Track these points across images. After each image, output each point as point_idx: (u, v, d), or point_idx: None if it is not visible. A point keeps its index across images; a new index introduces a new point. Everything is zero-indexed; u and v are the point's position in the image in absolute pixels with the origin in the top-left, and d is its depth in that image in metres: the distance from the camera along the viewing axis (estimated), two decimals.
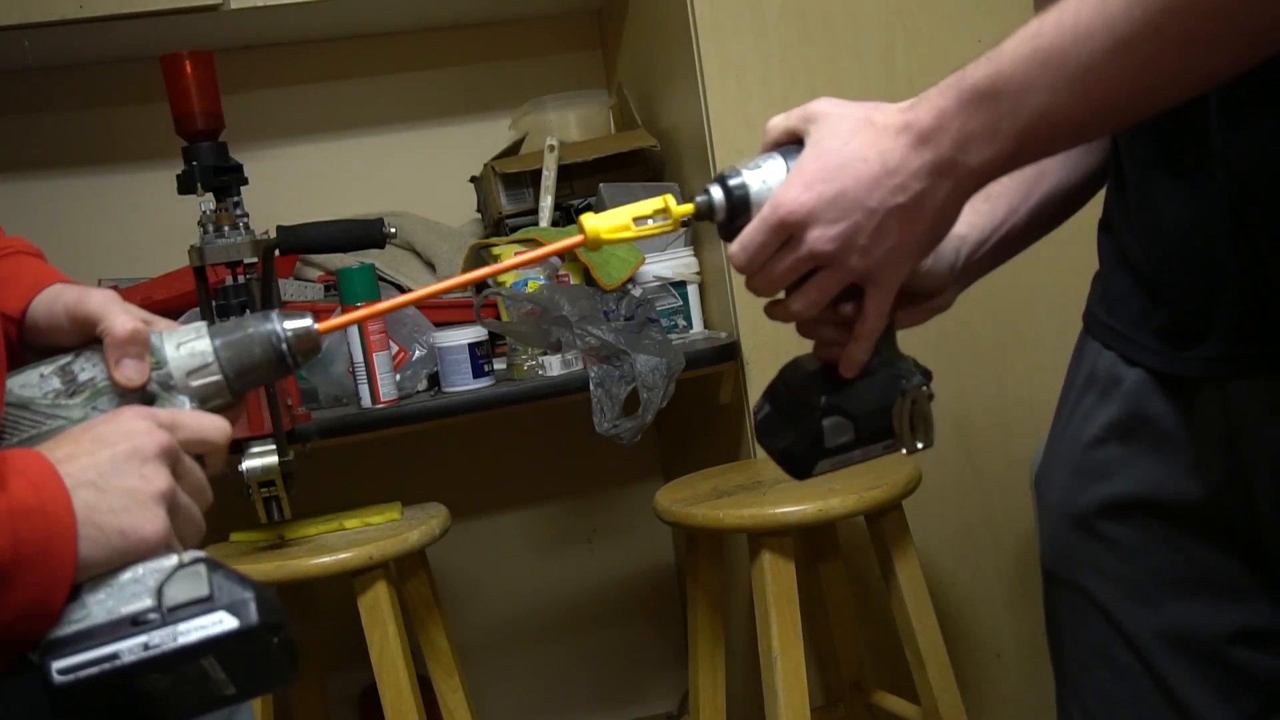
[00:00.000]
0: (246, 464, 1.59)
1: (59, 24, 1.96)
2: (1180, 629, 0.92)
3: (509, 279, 2.01)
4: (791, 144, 0.83)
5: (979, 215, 0.96)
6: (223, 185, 1.62)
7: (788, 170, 0.81)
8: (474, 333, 1.88)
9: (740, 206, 0.83)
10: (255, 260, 1.62)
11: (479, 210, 2.39)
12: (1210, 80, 0.71)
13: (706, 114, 2.01)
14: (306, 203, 2.21)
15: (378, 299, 1.83)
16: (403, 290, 2.20)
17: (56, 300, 0.78)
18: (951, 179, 0.77)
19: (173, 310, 2.00)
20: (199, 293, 1.63)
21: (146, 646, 0.65)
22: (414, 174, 2.50)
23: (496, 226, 2.27)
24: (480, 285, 2.08)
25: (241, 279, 1.62)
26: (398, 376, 1.88)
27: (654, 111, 2.31)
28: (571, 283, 2.01)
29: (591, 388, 1.80)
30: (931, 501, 2.05)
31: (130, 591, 0.67)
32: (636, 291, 2.00)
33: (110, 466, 0.68)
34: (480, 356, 1.89)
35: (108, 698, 0.66)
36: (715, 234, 0.95)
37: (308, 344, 0.79)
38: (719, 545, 1.86)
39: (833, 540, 1.97)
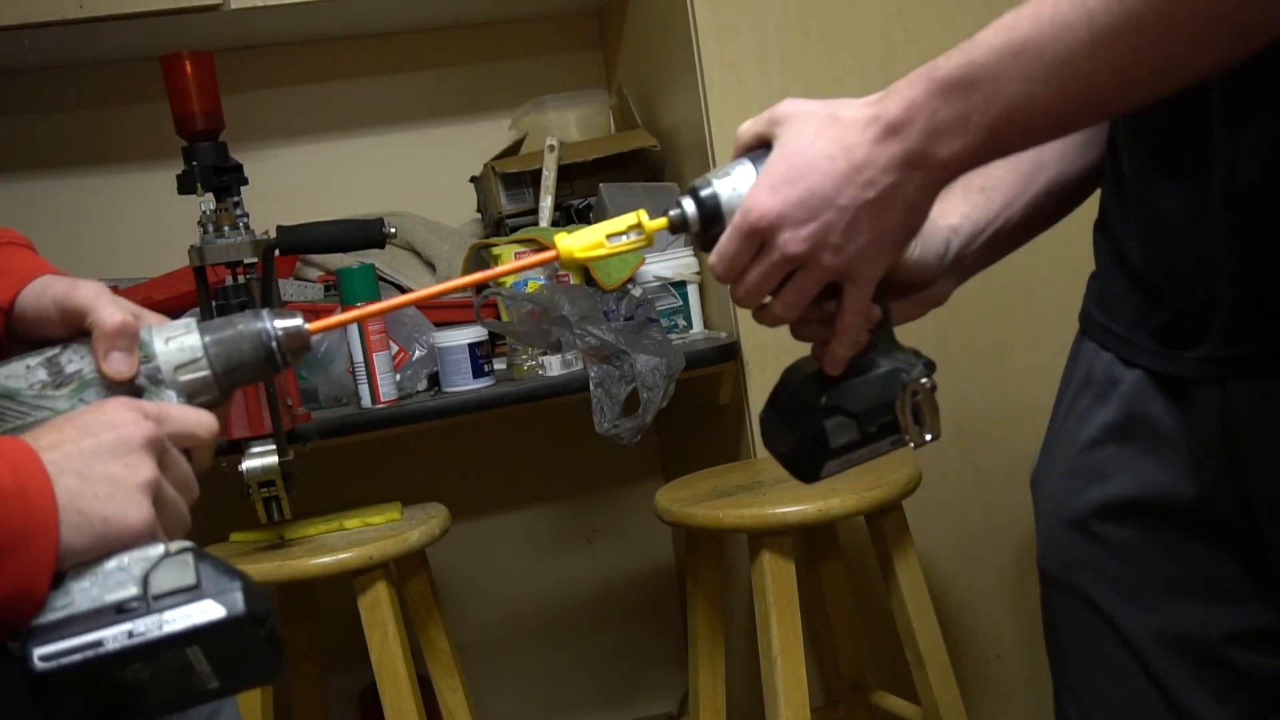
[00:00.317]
0: (246, 464, 1.59)
1: (59, 24, 1.96)
2: (1177, 630, 0.91)
3: (508, 279, 2.01)
4: (761, 148, 0.82)
5: (973, 207, 0.96)
6: (223, 185, 1.62)
7: (757, 175, 0.81)
8: (474, 333, 1.88)
9: (713, 216, 0.82)
10: (255, 260, 1.62)
11: (479, 210, 2.39)
12: (1192, 76, 0.70)
13: (706, 114, 2.01)
14: (306, 203, 2.21)
15: (378, 299, 1.83)
16: (403, 290, 2.20)
17: (45, 292, 0.78)
18: (921, 170, 0.76)
19: (173, 310, 2.01)
20: (199, 293, 1.63)
21: (131, 634, 0.65)
22: (414, 174, 2.50)
23: (496, 226, 2.27)
24: (480, 285, 2.08)
25: (241, 279, 1.62)
26: (398, 376, 1.88)
27: (654, 111, 2.31)
28: (571, 283, 2.01)
29: (591, 388, 1.80)
30: (931, 501, 2.05)
31: (115, 579, 0.66)
32: (636, 291, 2.00)
33: (94, 455, 0.68)
34: (480, 356, 1.89)
35: (90, 686, 0.65)
36: None
37: (297, 343, 0.79)
38: (719, 545, 1.86)
39: (833, 540, 1.97)
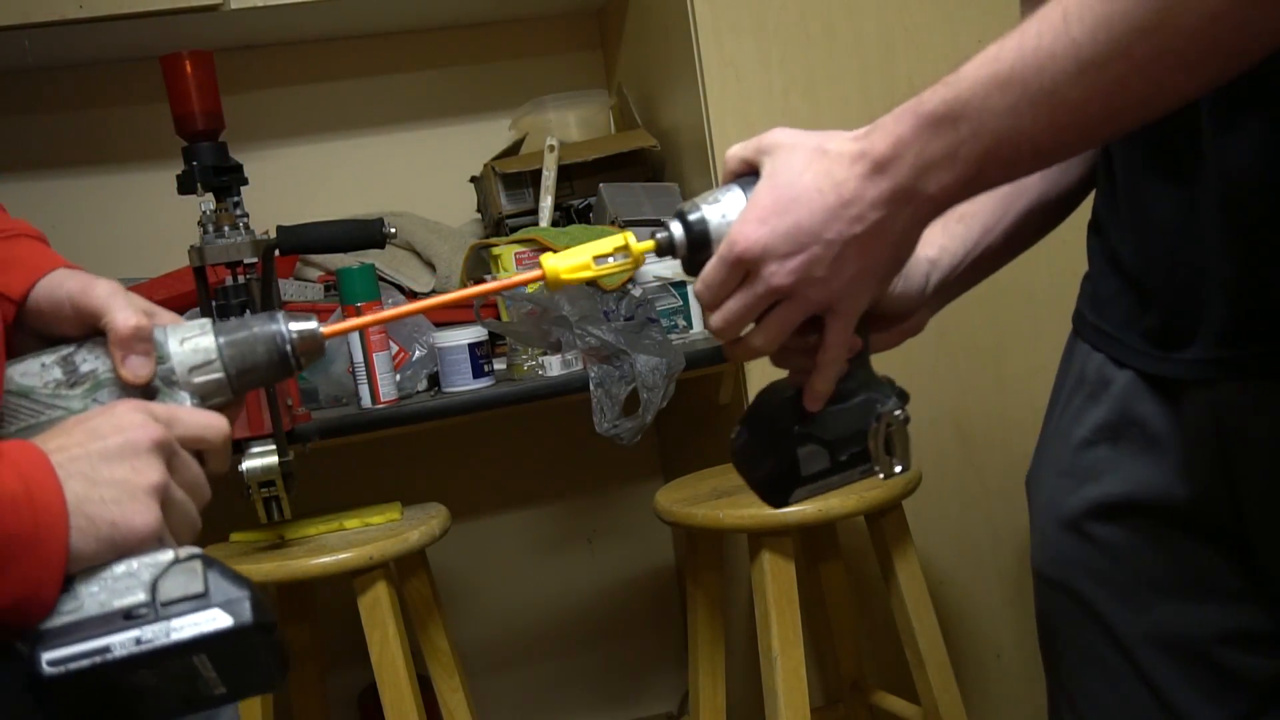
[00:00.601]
0: (246, 464, 1.59)
1: (58, 24, 1.96)
2: (1169, 630, 0.92)
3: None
4: (750, 174, 0.82)
5: (951, 237, 0.95)
6: (223, 185, 1.62)
7: (746, 202, 0.80)
8: (474, 333, 1.88)
9: (700, 242, 0.82)
10: (255, 260, 1.62)
11: (479, 210, 2.39)
12: (1178, 101, 0.70)
13: (706, 114, 2.01)
14: (306, 203, 2.21)
15: (378, 299, 1.83)
16: (403, 290, 2.20)
17: (60, 287, 0.78)
18: (910, 206, 0.76)
19: (172, 311, 2.00)
20: (199, 293, 1.63)
21: (138, 641, 0.65)
22: (414, 174, 2.50)
23: (496, 226, 2.27)
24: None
25: (241, 279, 1.62)
26: (398, 376, 1.88)
27: (654, 111, 2.31)
28: None
29: (591, 388, 1.80)
30: (931, 501, 2.05)
31: (124, 585, 0.66)
32: (636, 291, 2.00)
33: (101, 458, 0.67)
34: (480, 356, 1.89)
35: (96, 691, 0.65)
36: None
37: (311, 346, 0.79)
38: (719, 545, 1.86)
39: (833, 540, 1.97)
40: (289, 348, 0.78)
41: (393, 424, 1.84)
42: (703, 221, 0.82)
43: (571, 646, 2.59)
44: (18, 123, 2.34)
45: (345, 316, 1.82)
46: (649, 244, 0.84)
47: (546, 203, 2.21)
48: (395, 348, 1.93)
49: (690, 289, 2.12)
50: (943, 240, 0.95)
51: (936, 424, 2.08)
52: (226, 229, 1.61)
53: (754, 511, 1.66)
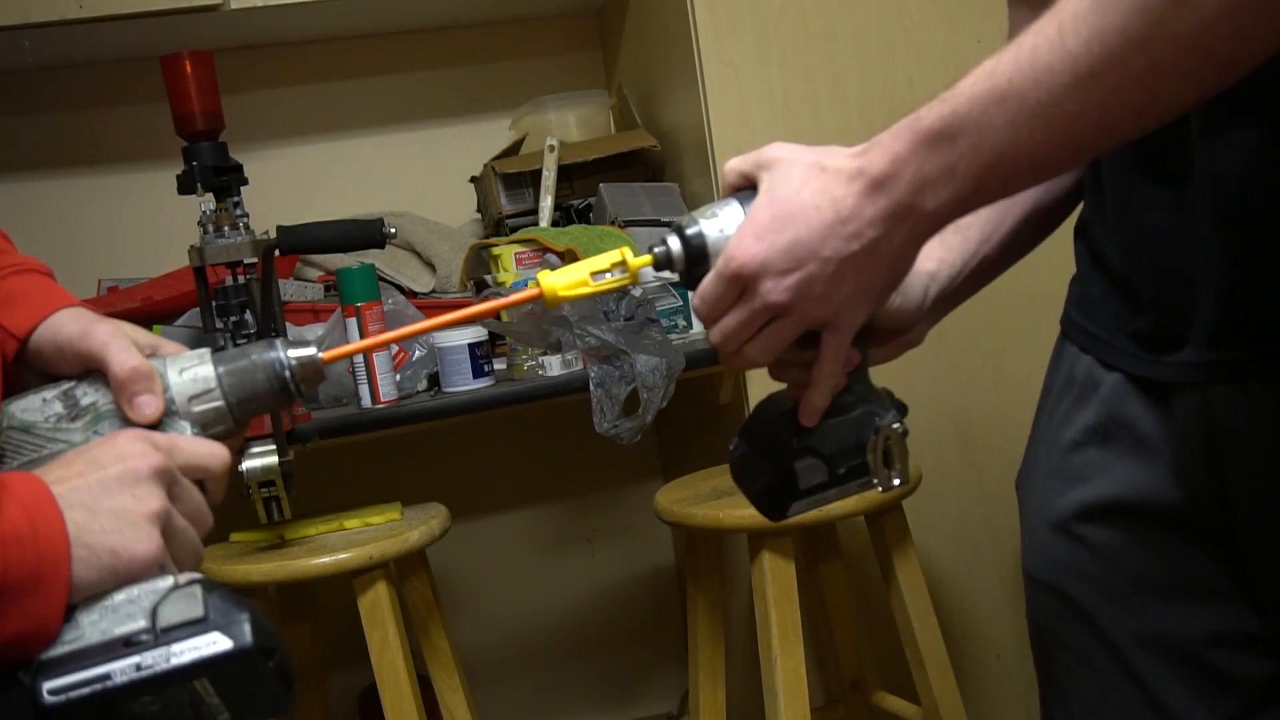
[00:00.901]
0: (246, 464, 1.59)
1: (59, 24, 1.96)
2: (1159, 632, 0.92)
3: (509, 279, 2.02)
4: (749, 189, 0.82)
5: (948, 249, 0.96)
6: (223, 185, 1.62)
7: (744, 217, 0.80)
8: (474, 333, 1.88)
9: (698, 256, 0.82)
10: (255, 260, 1.62)
11: (479, 210, 2.39)
12: (1173, 111, 0.70)
13: (706, 114, 2.01)
14: (306, 203, 2.21)
15: (378, 299, 1.83)
16: (403, 290, 2.20)
17: (60, 332, 0.78)
18: (908, 224, 0.76)
19: (172, 311, 2.01)
20: (199, 293, 1.63)
21: (139, 667, 0.65)
22: (414, 174, 2.50)
23: (496, 226, 2.27)
24: (480, 286, 2.08)
25: (241, 279, 1.62)
26: (398, 376, 1.88)
27: (654, 111, 2.31)
28: None
29: (591, 388, 1.80)
30: (931, 501, 2.05)
31: (124, 612, 0.67)
32: (636, 291, 2.00)
33: (102, 487, 0.68)
34: (480, 356, 1.89)
35: None
36: None
37: (310, 373, 0.79)
38: (719, 545, 1.86)
39: (833, 540, 1.97)
40: (288, 375, 0.78)
41: (393, 424, 1.84)
42: (700, 236, 0.82)
43: (571, 647, 2.59)
44: (18, 123, 2.34)
45: (345, 317, 1.82)
46: (646, 259, 0.84)
47: (546, 203, 2.21)
48: (395, 348, 1.93)
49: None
50: (940, 253, 0.95)
51: (936, 424, 2.08)
52: (226, 229, 1.61)
53: (754, 512, 1.64)
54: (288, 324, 1.79)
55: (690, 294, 2.21)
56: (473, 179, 2.37)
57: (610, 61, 2.56)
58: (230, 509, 1.68)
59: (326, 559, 1.65)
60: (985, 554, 2.14)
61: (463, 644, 2.06)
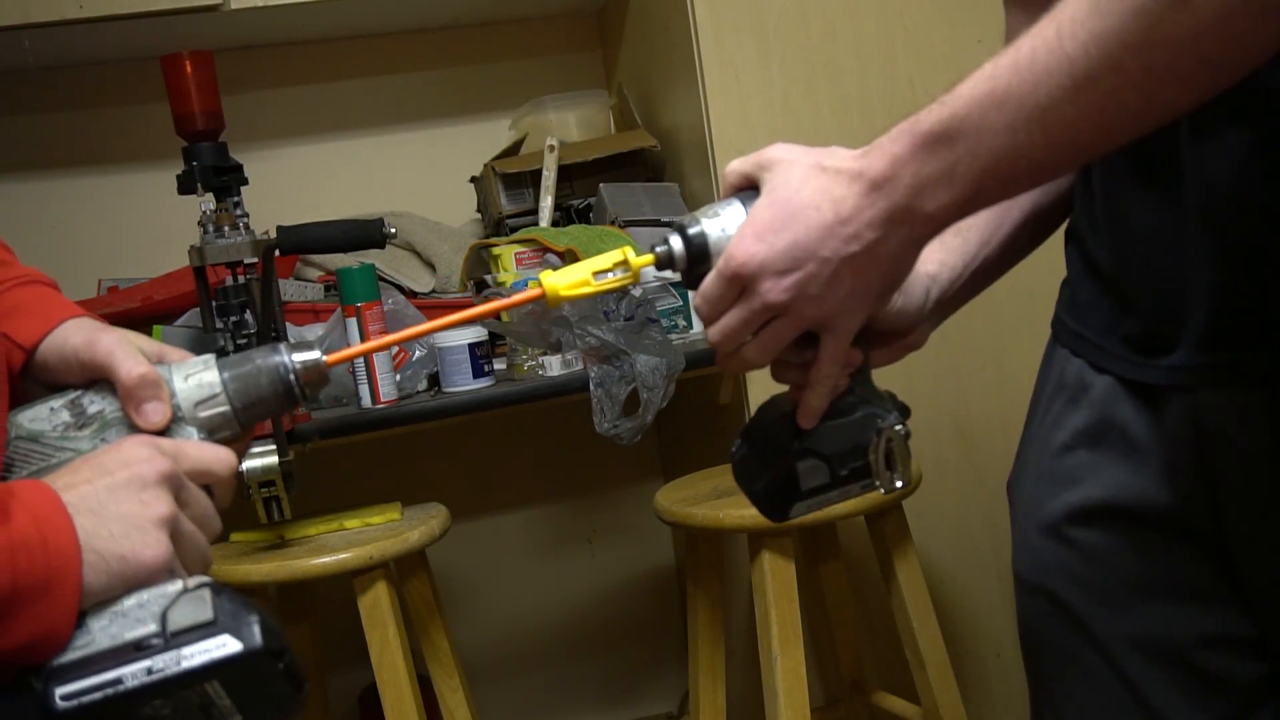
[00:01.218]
0: (246, 464, 1.59)
1: (59, 24, 1.96)
2: (1150, 634, 0.92)
3: (509, 279, 2.02)
4: (750, 189, 0.82)
5: (949, 251, 0.96)
6: (223, 185, 1.62)
7: (746, 217, 0.81)
8: (474, 333, 1.88)
9: (700, 255, 0.82)
10: (255, 260, 1.62)
11: (479, 210, 2.39)
12: (1170, 114, 0.71)
13: (706, 114, 2.01)
14: (306, 203, 2.21)
15: (378, 299, 1.83)
16: (403, 290, 2.20)
17: (66, 344, 0.78)
18: (906, 226, 0.76)
19: (172, 311, 2.01)
20: (199, 293, 1.63)
21: (150, 671, 0.65)
22: (414, 174, 2.50)
23: (496, 226, 2.27)
24: (480, 286, 2.08)
25: (241, 279, 1.62)
26: (398, 376, 1.88)
27: (654, 111, 2.31)
28: None
29: (591, 388, 1.80)
30: (931, 501, 2.05)
31: (134, 617, 0.67)
32: (636, 291, 2.00)
33: (109, 493, 0.68)
34: (480, 356, 1.89)
35: None
36: None
37: (315, 376, 0.79)
38: (719, 545, 1.86)
39: (833, 540, 1.97)
40: (293, 379, 0.78)
41: (393, 424, 1.84)
42: (702, 236, 0.82)
43: (571, 647, 2.59)
44: (18, 123, 2.34)
45: (345, 317, 1.82)
46: (648, 258, 0.84)
47: (546, 203, 2.21)
48: (395, 348, 1.93)
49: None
50: (941, 255, 0.95)
51: (936, 424, 2.08)
52: (226, 229, 1.62)
53: (754, 511, 1.64)
54: (288, 324, 1.79)
55: (691, 294, 2.21)
56: (473, 179, 2.37)
57: (610, 61, 2.56)
58: (230, 509, 1.67)
59: (326, 559, 1.65)
60: (985, 554, 2.14)
61: (463, 644, 2.06)
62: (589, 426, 1.79)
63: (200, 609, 0.67)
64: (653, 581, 2.63)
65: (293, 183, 2.40)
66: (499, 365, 1.99)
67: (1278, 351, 0.81)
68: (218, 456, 0.75)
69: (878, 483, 0.88)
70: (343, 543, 1.70)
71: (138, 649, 0.66)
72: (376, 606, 1.68)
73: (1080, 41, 0.68)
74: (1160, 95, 0.69)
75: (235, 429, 0.78)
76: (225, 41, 2.25)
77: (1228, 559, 0.88)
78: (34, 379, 0.79)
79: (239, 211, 1.64)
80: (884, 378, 0.91)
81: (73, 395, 0.76)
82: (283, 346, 0.79)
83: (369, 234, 1.72)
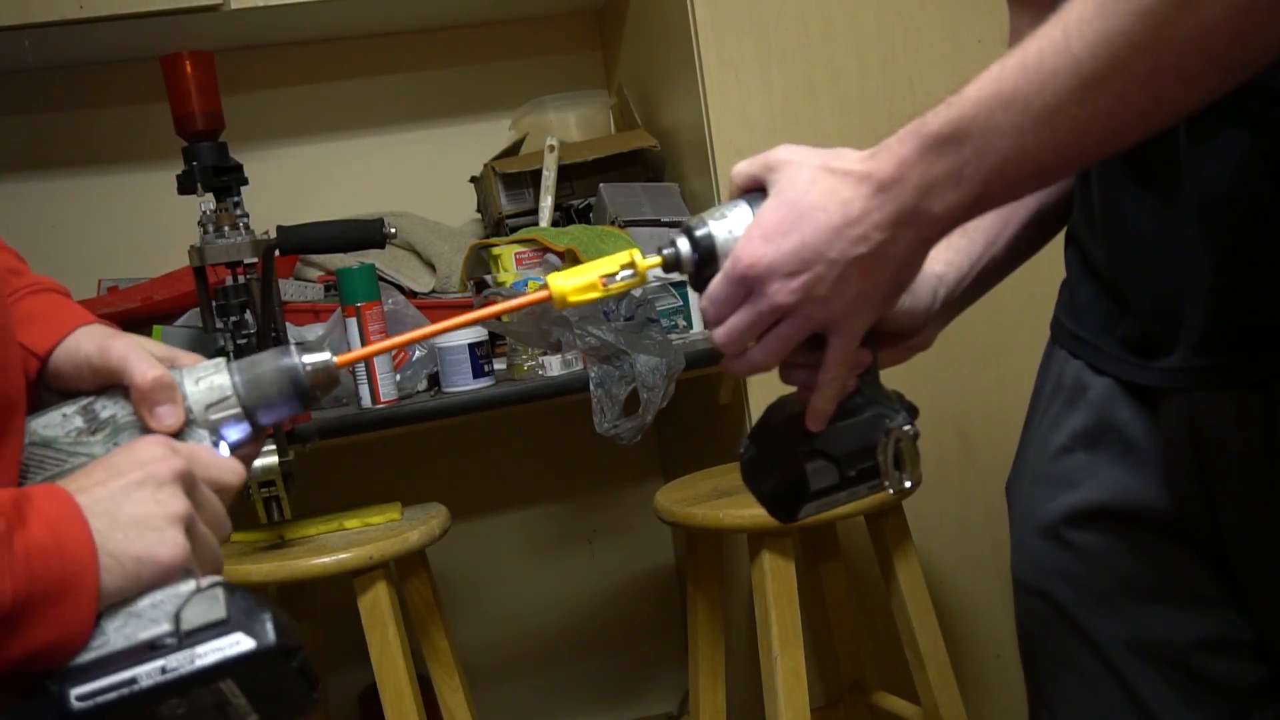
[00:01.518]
0: None
1: (59, 24, 1.96)
2: (1146, 636, 0.92)
3: (509, 279, 2.02)
4: (757, 190, 0.82)
5: (956, 252, 0.96)
6: (223, 185, 1.62)
7: (753, 218, 0.81)
8: (474, 333, 1.88)
9: (707, 258, 0.82)
10: (255, 260, 1.62)
11: (479, 210, 2.39)
12: (1178, 115, 0.71)
13: (706, 114, 2.01)
14: (306, 203, 2.22)
15: (378, 299, 1.83)
16: (403, 290, 2.20)
17: (78, 351, 0.78)
18: (914, 228, 0.76)
19: (173, 311, 2.01)
20: (199, 293, 1.63)
21: (164, 670, 0.65)
22: (414, 174, 2.50)
23: (496, 226, 2.27)
24: (480, 286, 2.08)
25: (241, 279, 1.62)
26: (398, 376, 1.88)
27: (654, 111, 2.31)
28: None
29: (591, 388, 1.80)
30: (931, 501, 2.05)
31: (149, 617, 0.67)
32: (637, 291, 2.00)
33: (123, 494, 0.68)
34: (480, 356, 1.89)
35: None
36: None
37: (326, 378, 0.79)
38: (719, 545, 1.86)
39: (833, 540, 1.97)
40: (304, 381, 0.78)
41: (393, 424, 1.84)
42: (709, 238, 0.82)
43: (571, 647, 2.59)
44: (18, 123, 2.34)
45: (345, 318, 1.82)
46: (656, 260, 0.84)
47: (546, 203, 2.21)
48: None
49: (690, 289, 2.12)
50: (948, 255, 0.95)
51: (936, 424, 2.08)
52: (226, 229, 1.61)
53: (754, 511, 1.66)
54: (288, 324, 1.79)
55: (693, 295, 2.21)
56: (473, 179, 2.37)
57: (610, 61, 2.56)
58: (230, 509, 1.68)
59: (326, 559, 1.65)
60: (985, 554, 2.14)
61: (463, 644, 2.06)
62: (589, 426, 1.79)
63: (213, 608, 0.67)
64: (653, 581, 2.63)
65: (293, 183, 2.40)
66: (499, 365, 1.99)
67: (1274, 354, 0.81)
68: (229, 468, 0.76)
69: (886, 483, 0.88)
70: (343, 543, 1.70)
71: (152, 649, 0.66)
72: (376, 606, 1.68)
73: (1087, 42, 0.68)
74: (1168, 96, 0.69)
75: (247, 431, 0.78)
76: (225, 41, 2.25)
77: (1225, 562, 0.88)
78: (47, 386, 0.79)
79: (239, 211, 1.64)
80: (885, 378, 0.91)
81: (85, 401, 0.77)
82: (293, 348, 0.79)
83: (369, 234, 1.72)
